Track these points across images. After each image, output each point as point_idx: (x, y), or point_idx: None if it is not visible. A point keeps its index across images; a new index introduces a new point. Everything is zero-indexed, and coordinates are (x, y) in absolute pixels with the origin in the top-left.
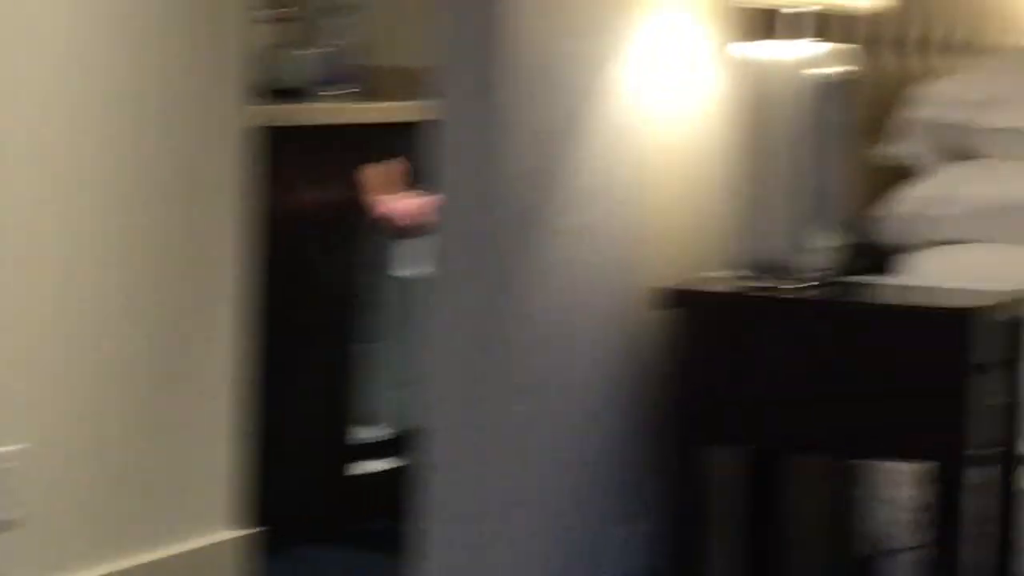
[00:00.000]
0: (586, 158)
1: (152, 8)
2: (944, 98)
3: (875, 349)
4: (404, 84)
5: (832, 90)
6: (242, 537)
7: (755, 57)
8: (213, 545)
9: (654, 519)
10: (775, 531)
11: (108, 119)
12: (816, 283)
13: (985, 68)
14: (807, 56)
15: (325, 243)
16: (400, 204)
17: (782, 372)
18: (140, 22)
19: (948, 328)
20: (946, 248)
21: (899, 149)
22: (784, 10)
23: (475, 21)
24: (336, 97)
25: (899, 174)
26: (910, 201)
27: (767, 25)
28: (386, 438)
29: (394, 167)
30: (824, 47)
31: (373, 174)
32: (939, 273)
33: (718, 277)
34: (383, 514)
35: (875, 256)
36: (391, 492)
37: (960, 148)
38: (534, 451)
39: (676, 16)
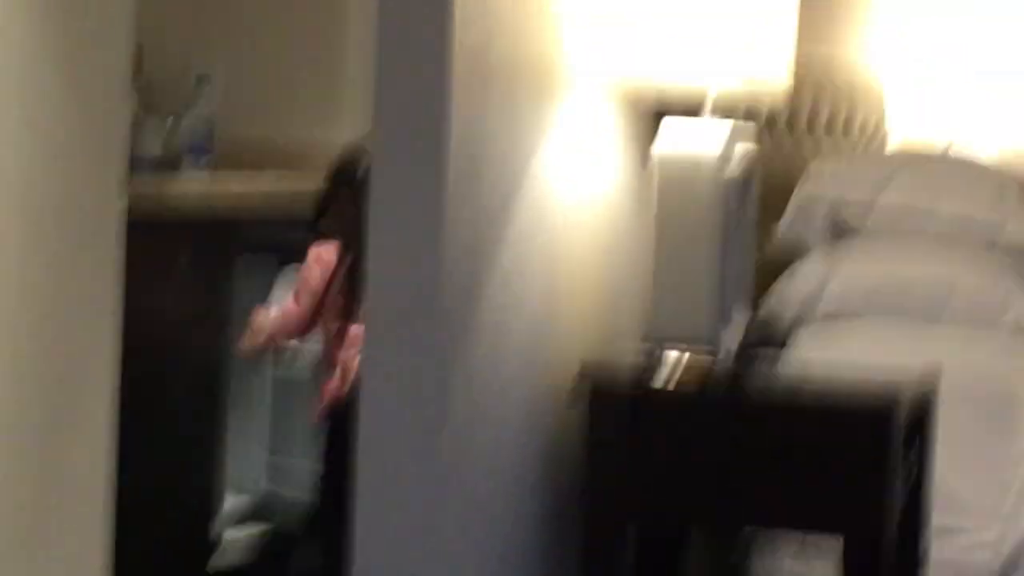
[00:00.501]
0: (514, 235)
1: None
2: (833, 177)
3: (785, 432)
4: (261, 154)
5: (738, 179)
6: None
7: (664, 139)
8: None
9: None
10: None
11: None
12: (727, 363)
13: (875, 158)
14: (714, 137)
15: (190, 321)
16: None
17: (698, 454)
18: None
19: (866, 412)
20: (836, 324)
21: (790, 228)
22: (691, 92)
23: (413, 101)
24: (196, 169)
25: (791, 253)
26: (798, 279)
27: (678, 106)
28: (250, 512)
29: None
30: (729, 128)
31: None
32: (830, 351)
33: (629, 357)
34: None
35: (771, 334)
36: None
37: (847, 224)
38: (457, 536)
39: (592, 100)
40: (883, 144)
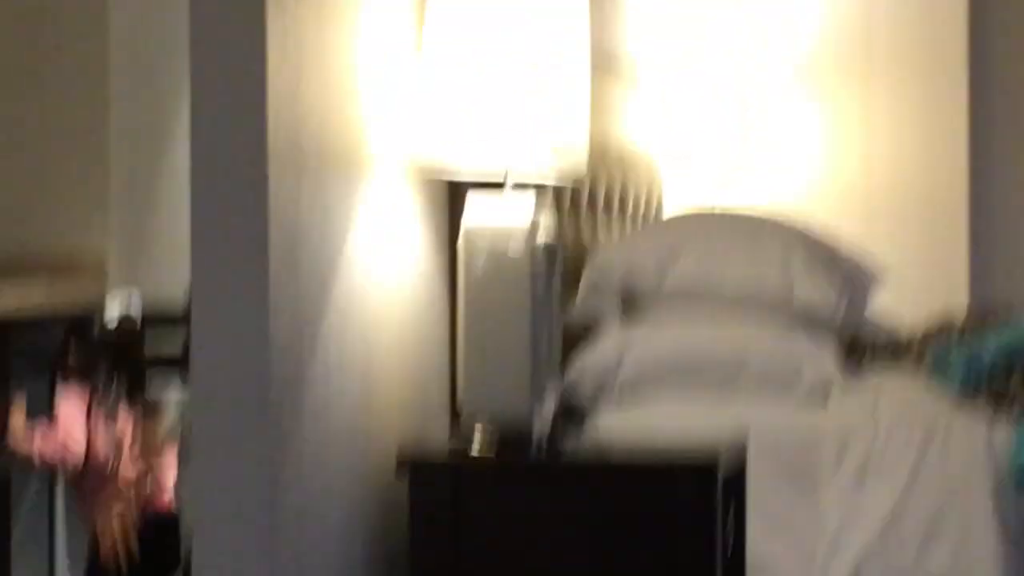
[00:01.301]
0: (330, 329)
1: None
2: (619, 254)
3: (615, 507)
4: (28, 260)
5: (543, 253)
6: None
7: (471, 213)
8: None
9: None
10: None
11: None
12: (543, 442)
13: (660, 227)
14: (519, 209)
15: None
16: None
17: (520, 535)
18: None
19: (688, 470)
20: (635, 395)
21: (584, 303)
22: (490, 170)
23: (234, 194)
24: None
25: (585, 333)
26: (590, 363)
27: (478, 183)
28: None
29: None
30: (533, 200)
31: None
32: (632, 421)
33: (445, 442)
34: None
35: (573, 406)
36: None
37: (639, 299)
38: None
39: (394, 180)
40: (660, 214)
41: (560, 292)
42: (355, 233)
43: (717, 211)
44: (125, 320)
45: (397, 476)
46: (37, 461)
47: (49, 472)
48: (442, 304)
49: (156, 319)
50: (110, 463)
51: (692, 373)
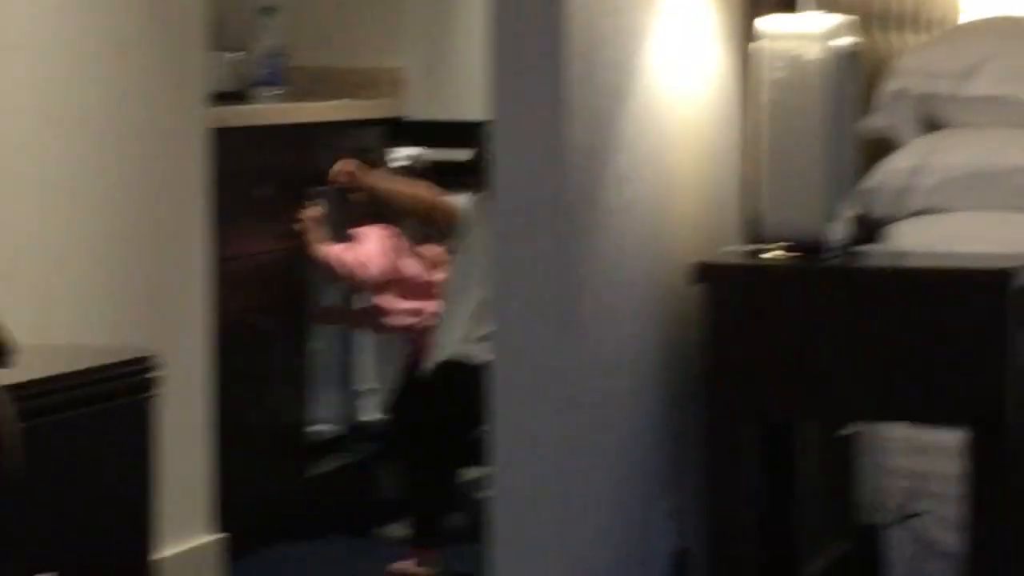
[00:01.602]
0: (626, 136)
1: (122, 23)
2: (920, 70)
3: (910, 315)
4: (327, 84)
5: (845, 61)
6: (216, 540)
7: (775, 31)
8: (190, 550)
9: (694, 493)
10: (785, 502)
11: (87, 126)
12: (839, 252)
13: (957, 38)
14: (824, 29)
15: (274, 246)
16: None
17: (815, 342)
18: (113, 36)
19: (987, 291)
20: (927, 218)
21: (880, 121)
22: None
23: (529, 4)
24: (268, 98)
25: (881, 146)
26: (891, 173)
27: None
28: (337, 435)
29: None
30: (834, 19)
31: (311, 215)
32: (927, 243)
33: (744, 250)
34: (343, 509)
35: (864, 227)
36: (348, 487)
37: (937, 118)
38: (589, 428)
39: None
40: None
41: (857, 100)
42: (650, 39)
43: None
44: (415, 160)
45: (691, 281)
46: (336, 268)
47: (347, 284)
48: (736, 110)
49: (451, 135)
50: (410, 285)
51: (992, 183)
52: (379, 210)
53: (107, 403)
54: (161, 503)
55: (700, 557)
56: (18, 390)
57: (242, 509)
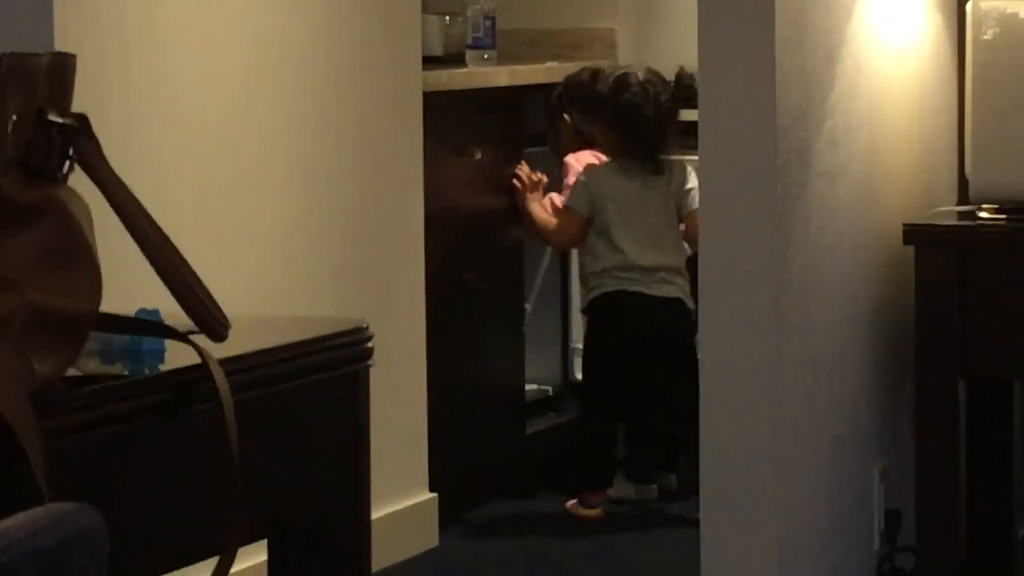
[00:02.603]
0: (838, 99)
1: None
2: None
3: None
4: (537, 46)
5: None
6: (430, 499)
7: None
8: (405, 509)
9: (909, 454)
10: (1000, 463)
11: (307, 94)
12: None
13: None
14: None
15: (486, 209)
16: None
17: (1020, 304)
18: (331, 4)
19: None
20: None
21: None
22: None
23: None
24: (479, 61)
25: None
26: None
27: None
28: (553, 394)
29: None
30: None
31: (522, 173)
32: None
33: (955, 211)
34: (559, 466)
35: None
36: (563, 446)
37: None
38: (798, 391)
39: None
40: None
41: None
42: (860, 10)
43: None
44: None
45: (904, 242)
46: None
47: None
48: (950, 72)
49: None
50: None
51: None
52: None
53: (321, 374)
54: (377, 463)
55: (911, 518)
56: (232, 363)
57: (456, 468)
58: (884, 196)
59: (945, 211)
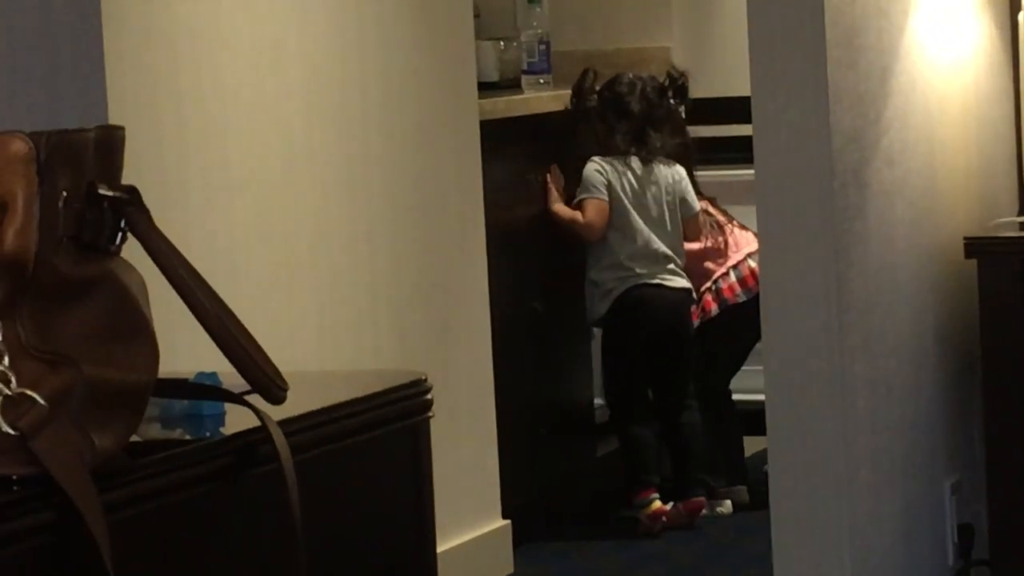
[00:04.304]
0: (893, 116)
1: (393, 21)
2: None
3: None
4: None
5: None
6: (503, 527)
7: None
8: (477, 538)
9: (980, 467)
10: None
11: (368, 128)
12: None
13: None
14: None
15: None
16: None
17: None
18: (387, 34)
19: None
20: None
21: None
22: None
23: None
24: (535, 87)
25: None
26: None
27: None
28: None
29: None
30: None
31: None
32: None
33: (1015, 223)
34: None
35: None
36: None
37: None
38: (866, 410)
39: None
40: None
41: None
42: (914, 18)
43: None
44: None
45: (966, 256)
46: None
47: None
48: (1005, 82)
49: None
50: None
51: None
52: None
53: (381, 430)
54: (450, 493)
55: (984, 532)
56: (291, 424)
57: (529, 493)
58: (944, 210)
59: (1006, 222)
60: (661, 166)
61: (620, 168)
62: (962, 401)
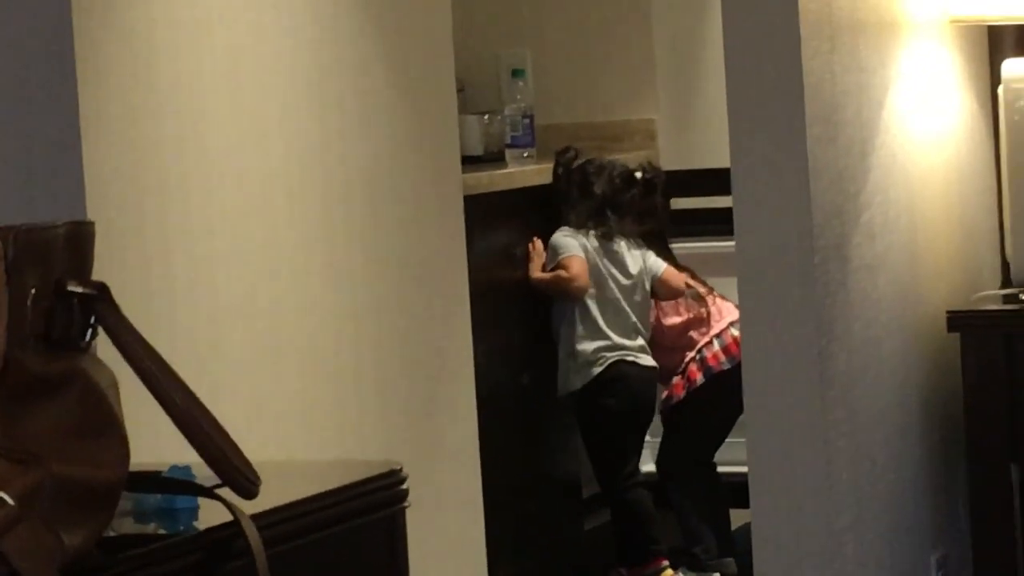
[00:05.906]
0: (874, 191)
1: (376, 92)
2: None
3: None
4: (578, 140)
5: None
6: None
7: (1019, 73)
8: None
9: (966, 540)
10: None
11: (352, 195)
12: None
13: None
14: None
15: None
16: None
17: None
18: (369, 105)
19: None
20: None
21: None
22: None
23: (768, 66)
24: (519, 160)
25: None
26: None
27: (1016, 42)
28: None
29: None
30: None
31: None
32: None
33: (999, 295)
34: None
35: None
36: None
37: None
38: (850, 483)
39: (934, 41)
40: None
41: None
42: (893, 93)
43: None
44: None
45: (949, 330)
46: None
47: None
48: (987, 157)
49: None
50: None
51: None
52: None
53: (356, 521)
54: (437, 570)
55: None
56: (264, 518)
57: (516, 569)
58: (926, 283)
59: (989, 295)
60: (622, 242)
61: (583, 240)
62: (947, 475)
